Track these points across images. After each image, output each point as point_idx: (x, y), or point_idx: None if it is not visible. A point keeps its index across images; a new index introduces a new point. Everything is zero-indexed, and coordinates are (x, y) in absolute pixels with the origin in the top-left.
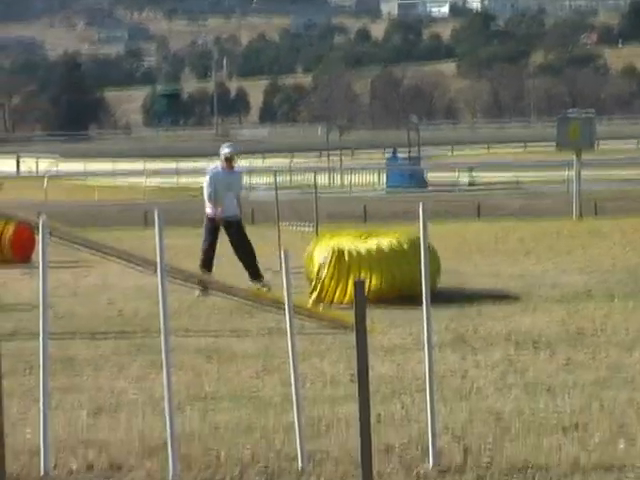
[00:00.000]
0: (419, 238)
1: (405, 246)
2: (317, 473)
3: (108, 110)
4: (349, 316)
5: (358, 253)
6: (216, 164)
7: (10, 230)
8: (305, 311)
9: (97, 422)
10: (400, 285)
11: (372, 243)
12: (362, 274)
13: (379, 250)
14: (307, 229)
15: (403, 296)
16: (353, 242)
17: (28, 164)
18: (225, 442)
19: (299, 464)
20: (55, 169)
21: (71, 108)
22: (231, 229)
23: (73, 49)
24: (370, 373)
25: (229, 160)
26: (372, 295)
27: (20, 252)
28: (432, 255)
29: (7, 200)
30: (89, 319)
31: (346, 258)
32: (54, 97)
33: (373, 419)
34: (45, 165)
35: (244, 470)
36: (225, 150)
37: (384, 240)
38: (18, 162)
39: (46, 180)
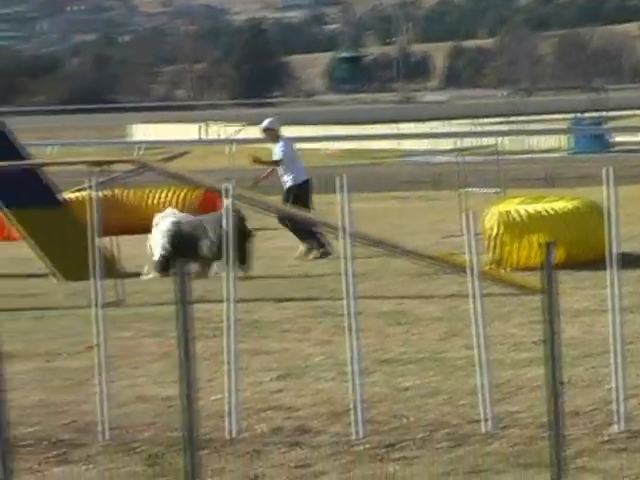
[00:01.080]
0: (596, 202)
1: (582, 210)
2: (503, 437)
3: (291, 75)
4: (530, 279)
5: (533, 216)
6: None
7: (197, 197)
8: (488, 274)
9: (284, 385)
10: (576, 249)
11: (548, 207)
12: (538, 237)
13: (555, 214)
14: (491, 193)
15: (581, 259)
16: (530, 206)
17: (215, 130)
18: (411, 405)
19: (485, 428)
20: (241, 135)
21: (255, 74)
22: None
23: (258, 15)
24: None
25: (264, 132)
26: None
27: None
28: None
29: (194, 167)
30: (274, 282)
31: (520, 222)
32: (238, 63)
33: None
34: (231, 131)
35: (430, 434)
36: (263, 124)
37: (560, 204)
38: (205, 128)
39: (232, 147)
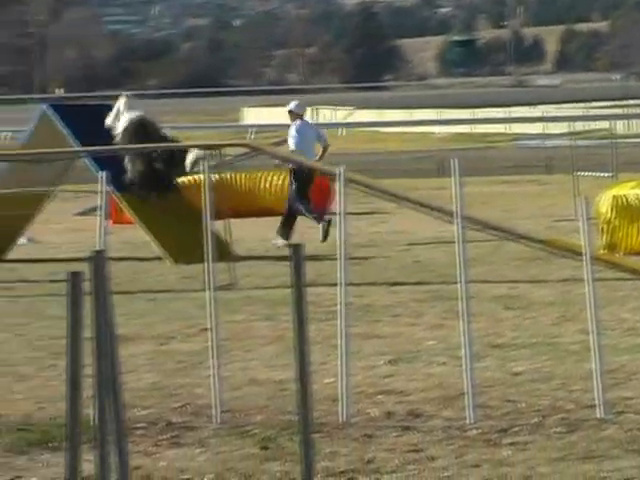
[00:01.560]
0: None
1: None
2: (618, 422)
3: (403, 59)
4: None
5: None
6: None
7: None
8: (602, 259)
9: (395, 370)
10: None
11: None
12: None
13: None
14: (604, 177)
15: None
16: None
17: (325, 114)
18: (523, 390)
19: (599, 413)
20: (351, 119)
21: (366, 58)
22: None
23: None
24: None
25: (289, 114)
26: None
27: (319, 202)
28: None
29: None
30: (386, 267)
31: (634, 206)
32: (349, 47)
33: None
34: (341, 115)
35: (543, 419)
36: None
37: None
38: (315, 112)
39: (343, 130)
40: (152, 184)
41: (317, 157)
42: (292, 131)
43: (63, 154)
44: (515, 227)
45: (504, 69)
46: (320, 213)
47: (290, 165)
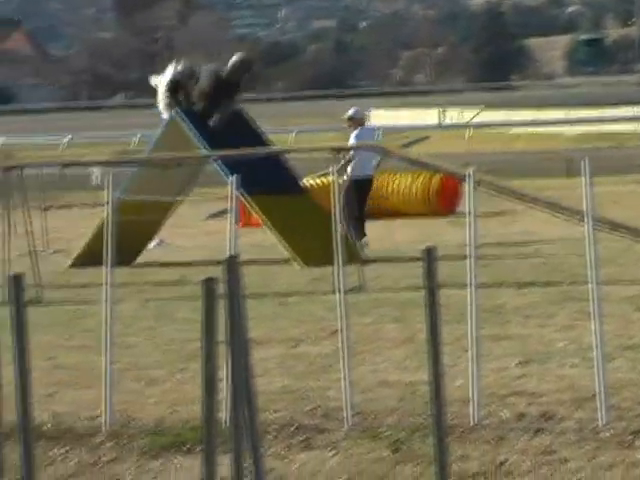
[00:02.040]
0: None
1: None
2: None
3: (530, 58)
4: None
5: None
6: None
7: (436, 182)
8: None
9: (526, 371)
10: None
11: None
12: None
13: None
14: None
15: None
16: None
17: (452, 115)
18: None
19: None
20: (478, 119)
21: (493, 58)
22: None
23: None
24: None
25: (348, 120)
26: None
27: (446, 203)
28: None
29: (432, 152)
30: (516, 267)
31: None
32: (476, 47)
33: None
34: (469, 116)
35: None
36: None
37: None
38: (443, 113)
39: (470, 130)
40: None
41: (376, 165)
42: (352, 140)
43: (191, 158)
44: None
45: (632, 67)
46: (357, 231)
47: (348, 174)
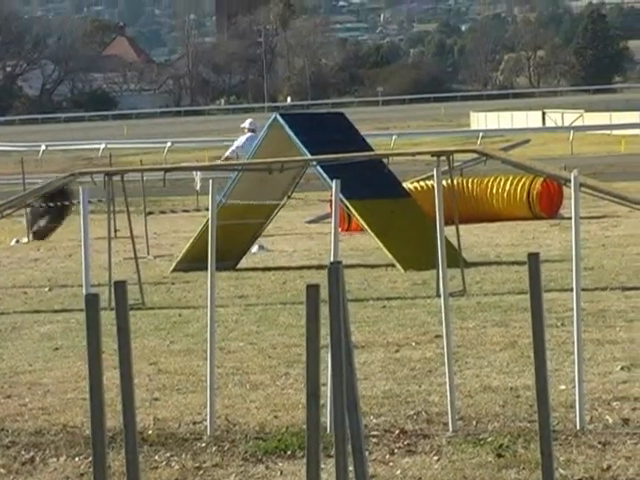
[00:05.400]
0: None
1: None
2: None
3: (632, 61)
4: None
5: None
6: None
7: (538, 185)
8: None
9: (630, 376)
10: None
11: None
12: None
13: None
14: None
15: None
16: None
17: (553, 118)
18: None
19: None
20: (581, 122)
21: (595, 60)
22: None
23: (597, 0)
24: None
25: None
26: None
27: (548, 206)
28: None
29: (534, 155)
30: (619, 271)
31: None
32: (578, 49)
33: None
34: (571, 118)
35: None
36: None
37: None
38: (544, 116)
39: (572, 133)
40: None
41: None
42: (239, 140)
43: (293, 163)
44: None
45: None
46: None
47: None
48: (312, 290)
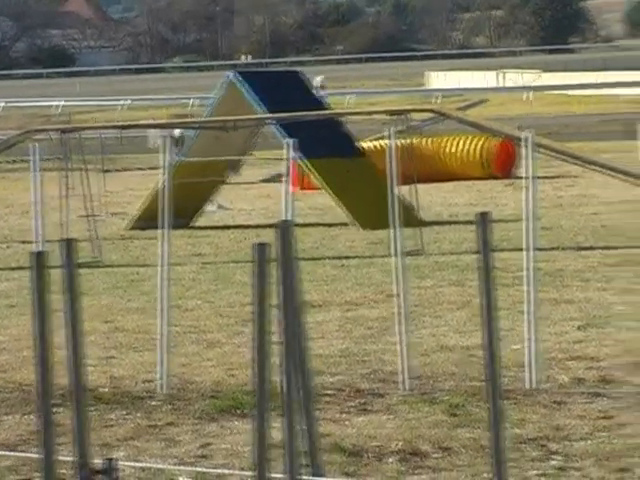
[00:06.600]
0: None
1: None
2: None
3: (589, 21)
4: None
5: None
6: None
7: (493, 145)
8: None
9: (585, 336)
10: None
11: None
12: None
13: None
14: None
15: None
16: None
17: (511, 78)
18: None
19: None
20: (537, 82)
21: (554, 20)
22: None
23: None
24: None
25: None
26: None
27: (503, 166)
28: None
29: (492, 115)
30: (577, 231)
31: None
32: (537, 10)
33: None
34: (528, 79)
35: None
36: None
37: None
38: (500, 76)
39: (530, 94)
40: None
41: None
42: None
43: (249, 121)
44: None
45: None
46: None
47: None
48: (260, 248)
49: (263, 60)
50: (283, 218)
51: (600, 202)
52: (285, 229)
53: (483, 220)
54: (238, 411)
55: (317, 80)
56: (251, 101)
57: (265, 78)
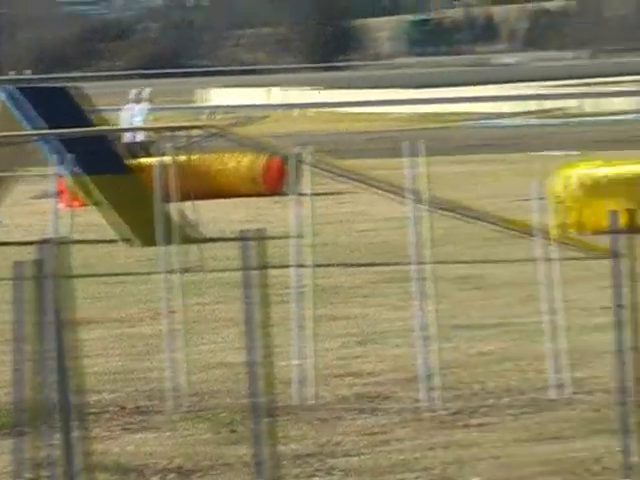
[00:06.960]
0: None
1: None
2: (586, 402)
3: (360, 39)
4: (599, 243)
5: (605, 180)
6: None
7: (261, 162)
8: (557, 238)
9: (359, 352)
10: None
11: (620, 170)
12: (607, 201)
13: (626, 177)
14: (563, 156)
15: None
16: (601, 169)
17: (288, 95)
18: (488, 371)
19: (558, 394)
20: (313, 99)
21: (332, 38)
22: None
23: None
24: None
25: None
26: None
27: (272, 184)
28: None
29: (270, 132)
30: (354, 247)
31: (589, 185)
32: (306, 28)
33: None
34: (307, 95)
35: (504, 400)
36: None
37: (632, 167)
38: (267, 93)
39: (296, 111)
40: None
41: None
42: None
43: (17, 137)
44: (474, 207)
45: (463, 48)
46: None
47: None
48: (17, 267)
49: (36, 76)
50: (49, 236)
51: (369, 219)
52: (50, 247)
53: (247, 238)
54: (12, 429)
55: (146, 91)
56: (15, 116)
57: (31, 94)
